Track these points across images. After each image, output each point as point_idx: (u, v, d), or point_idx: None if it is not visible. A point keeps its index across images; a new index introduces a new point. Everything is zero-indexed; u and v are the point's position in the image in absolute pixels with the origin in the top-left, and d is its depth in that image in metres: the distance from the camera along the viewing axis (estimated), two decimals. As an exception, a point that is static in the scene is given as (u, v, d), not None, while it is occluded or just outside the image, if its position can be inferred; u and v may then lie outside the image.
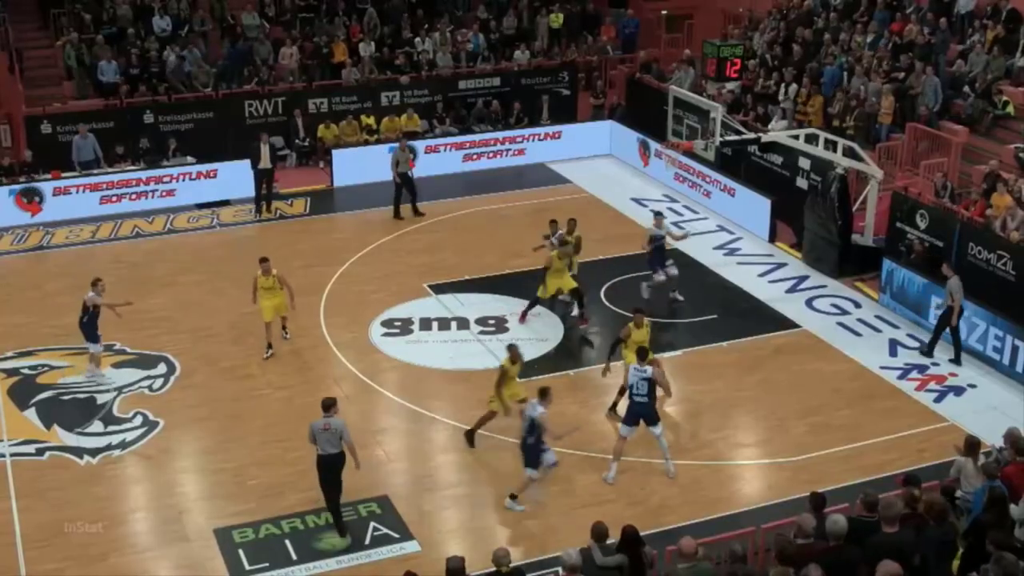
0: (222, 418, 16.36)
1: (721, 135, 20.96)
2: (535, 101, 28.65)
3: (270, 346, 17.92)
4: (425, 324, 19.21)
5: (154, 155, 25.17)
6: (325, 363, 17.84)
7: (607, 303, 19.83)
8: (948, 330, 17.83)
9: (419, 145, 26.39)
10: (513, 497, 14.25)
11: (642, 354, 14.83)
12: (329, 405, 13.62)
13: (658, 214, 20.33)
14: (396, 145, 24.53)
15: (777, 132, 23.05)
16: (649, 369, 14.61)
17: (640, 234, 20.04)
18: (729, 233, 23.13)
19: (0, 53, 27.38)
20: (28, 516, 14.11)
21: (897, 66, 24.87)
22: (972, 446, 12.59)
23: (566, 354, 18.35)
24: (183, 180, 24.76)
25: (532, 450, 14.07)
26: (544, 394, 14.06)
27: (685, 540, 10.41)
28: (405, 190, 23.82)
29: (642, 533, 11.25)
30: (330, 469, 13.62)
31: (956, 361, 17.80)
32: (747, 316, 19.44)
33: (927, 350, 18.10)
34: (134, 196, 24.38)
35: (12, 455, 15.41)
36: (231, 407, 16.61)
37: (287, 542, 13.61)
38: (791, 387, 17.26)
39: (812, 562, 9.58)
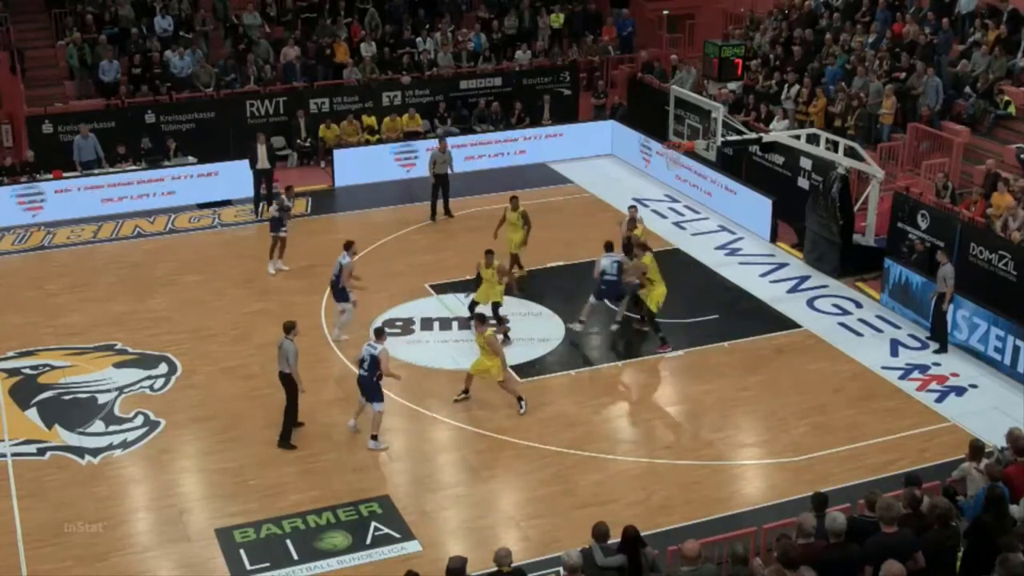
0: (223, 418, 16.35)
1: (722, 135, 20.94)
2: (536, 101, 28.62)
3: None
4: (426, 324, 19.20)
5: (155, 155, 25.18)
6: (326, 363, 17.82)
7: (607, 302, 19.80)
8: (934, 315, 17.93)
9: (420, 145, 26.36)
10: (374, 438, 15.40)
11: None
12: (288, 328, 15.29)
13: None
14: (435, 144, 24.24)
15: (778, 132, 23.03)
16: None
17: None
18: (730, 233, 23.12)
19: (2, 53, 27.37)
20: (29, 516, 14.11)
21: (898, 66, 24.86)
22: (976, 450, 12.57)
23: (567, 354, 18.34)
24: (184, 180, 24.76)
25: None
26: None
27: (688, 543, 10.33)
28: (440, 190, 23.72)
29: (643, 533, 11.25)
30: (282, 384, 15.46)
31: (941, 349, 17.93)
32: (748, 316, 19.42)
33: (939, 348, 18.03)
34: (135, 196, 24.35)
35: (13, 455, 15.42)
36: (232, 407, 16.61)
37: (288, 542, 13.61)
38: (792, 387, 17.26)
39: (812, 561, 9.57)
